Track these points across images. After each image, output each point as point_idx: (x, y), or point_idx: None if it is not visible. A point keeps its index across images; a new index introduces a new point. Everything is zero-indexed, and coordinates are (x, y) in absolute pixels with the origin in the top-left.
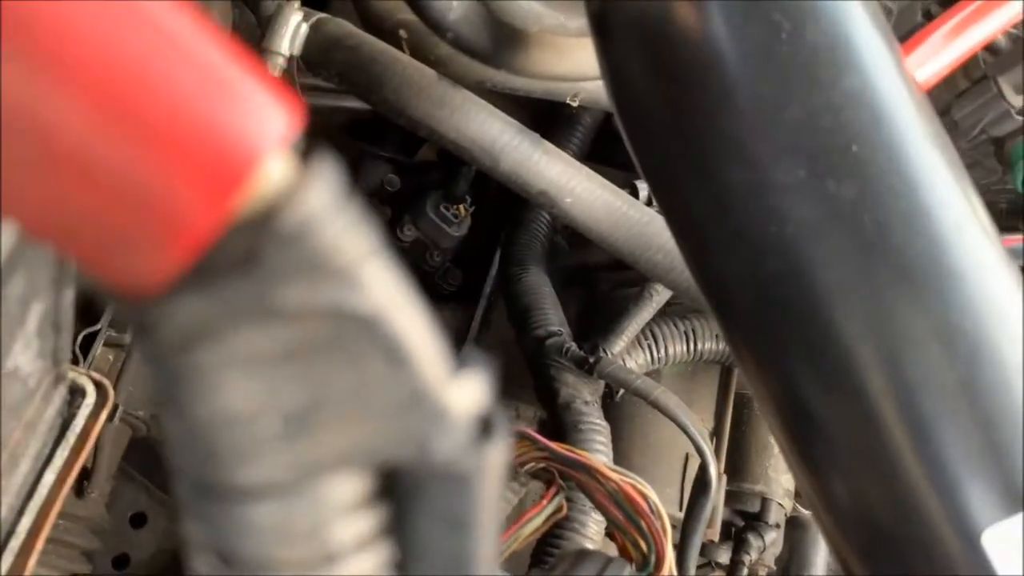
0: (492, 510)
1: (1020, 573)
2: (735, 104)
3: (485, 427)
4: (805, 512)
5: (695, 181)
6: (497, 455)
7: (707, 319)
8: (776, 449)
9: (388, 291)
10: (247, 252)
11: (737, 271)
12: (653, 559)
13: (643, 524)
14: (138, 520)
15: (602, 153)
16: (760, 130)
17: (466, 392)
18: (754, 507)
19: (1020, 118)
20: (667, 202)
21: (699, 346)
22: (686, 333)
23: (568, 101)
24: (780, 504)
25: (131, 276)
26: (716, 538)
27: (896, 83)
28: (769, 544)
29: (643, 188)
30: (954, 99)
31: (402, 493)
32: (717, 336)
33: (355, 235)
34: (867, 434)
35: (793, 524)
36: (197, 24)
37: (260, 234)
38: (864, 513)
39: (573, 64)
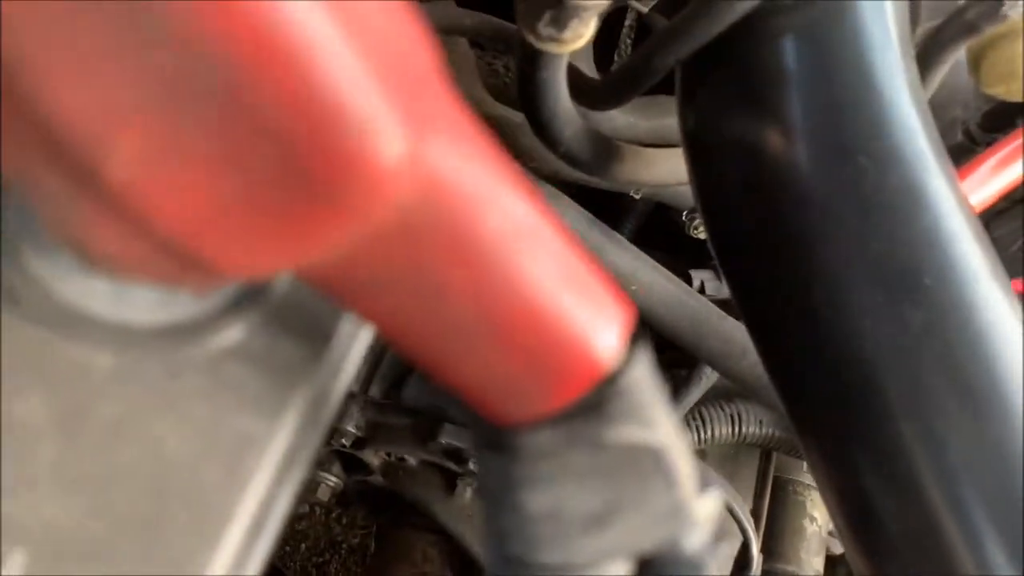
0: None
1: None
2: (823, 233)
3: (718, 532)
4: None
5: (780, 296)
6: (724, 553)
7: (752, 404)
8: (809, 532)
9: (672, 432)
10: (594, 401)
11: (814, 379)
12: None
13: None
14: None
15: (650, 237)
16: (845, 259)
17: (708, 505)
18: None
19: None
20: (749, 309)
21: (743, 430)
22: (732, 416)
23: (631, 194)
24: None
25: (513, 413)
26: None
27: (962, 222)
28: None
29: (696, 277)
30: (992, 217)
31: (654, 574)
32: (761, 421)
33: (656, 391)
34: (925, 532)
35: None
36: (576, 246)
37: (605, 390)
38: None
39: (654, 174)
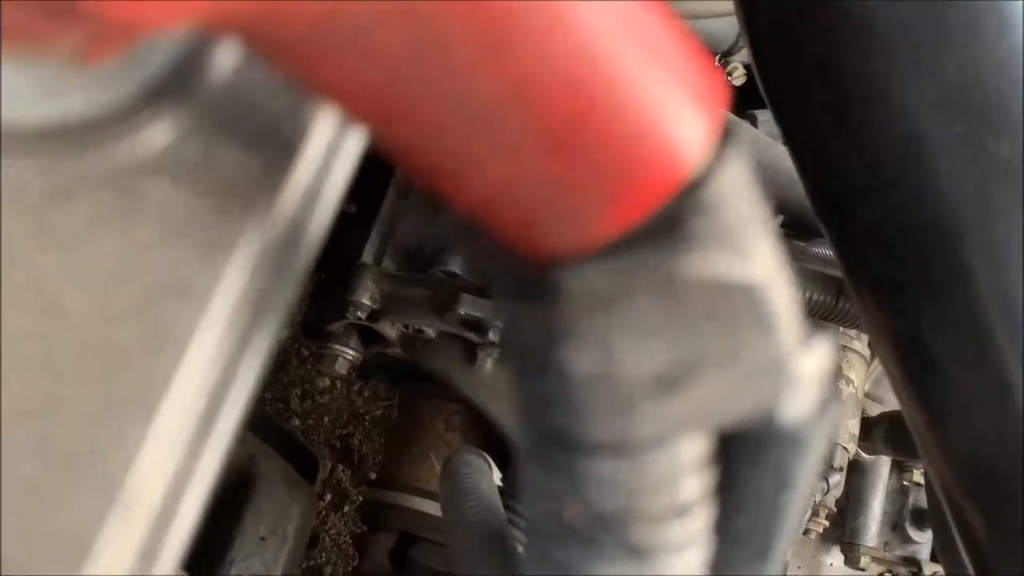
0: (817, 471)
1: None
2: (891, 61)
3: (826, 396)
4: (866, 457)
5: (839, 126)
6: (832, 421)
7: (790, 269)
8: (844, 395)
9: (773, 262)
10: (666, 221)
11: (877, 220)
12: None
13: None
14: None
15: None
16: (917, 83)
17: (815, 360)
18: None
19: None
20: (804, 150)
21: None
22: None
23: None
24: (844, 448)
25: (560, 242)
26: None
27: None
28: (832, 486)
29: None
30: None
31: (738, 453)
32: (797, 285)
33: (758, 209)
34: (992, 385)
35: (854, 468)
36: (658, 14)
37: (683, 204)
38: (981, 457)
39: (686, 4)
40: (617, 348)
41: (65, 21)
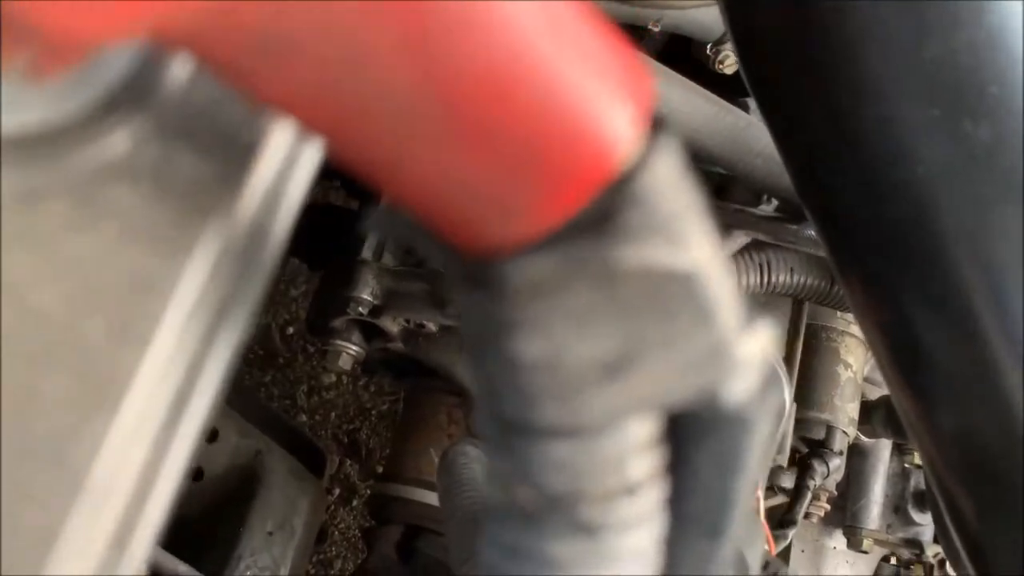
0: (763, 453)
1: None
2: (869, 41)
3: (767, 378)
4: (866, 440)
5: (821, 116)
6: (774, 404)
7: (782, 252)
8: (842, 379)
9: (708, 250)
10: (600, 213)
11: (861, 209)
12: None
13: None
14: (210, 435)
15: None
16: (896, 67)
17: (755, 344)
18: (819, 435)
19: None
20: (786, 137)
21: (772, 279)
22: (760, 265)
23: (650, 27)
24: (844, 432)
25: (496, 236)
26: (784, 463)
27: None
28: (833, 470)
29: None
30: None
31: (684, 434)
32: (792, 269)
33: (691, 200)
34: (980, 374)
35: (854, 451)
36: (580, 9)
37: (615, 197)
38: (970, 442)
39: None
40: (560, 335)
41: (16, 36)
